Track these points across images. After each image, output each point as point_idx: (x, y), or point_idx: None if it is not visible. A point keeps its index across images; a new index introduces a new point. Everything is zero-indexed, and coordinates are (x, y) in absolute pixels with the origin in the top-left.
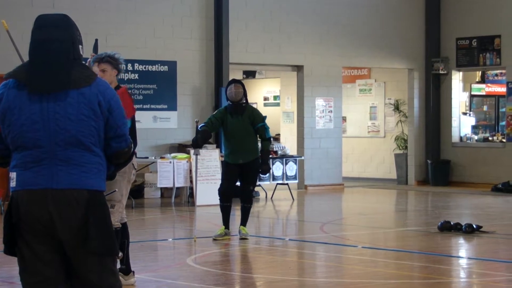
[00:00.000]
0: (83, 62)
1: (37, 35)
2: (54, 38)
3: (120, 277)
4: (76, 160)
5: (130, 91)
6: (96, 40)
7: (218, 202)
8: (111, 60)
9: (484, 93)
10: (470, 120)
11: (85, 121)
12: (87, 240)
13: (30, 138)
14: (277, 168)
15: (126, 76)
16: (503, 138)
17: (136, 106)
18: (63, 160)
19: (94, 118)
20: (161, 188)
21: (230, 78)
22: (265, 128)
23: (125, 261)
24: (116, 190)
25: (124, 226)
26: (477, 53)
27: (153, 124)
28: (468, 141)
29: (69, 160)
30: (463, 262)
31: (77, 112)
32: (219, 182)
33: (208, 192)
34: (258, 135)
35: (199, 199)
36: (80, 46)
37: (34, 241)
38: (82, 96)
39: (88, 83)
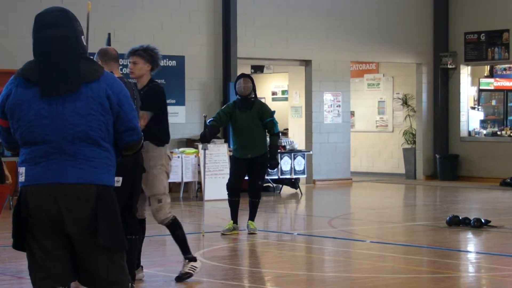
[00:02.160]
0: (89, 56)
1: (40, 36)
2: (58, 37)
3: None
4: (85, 155)
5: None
6: (109, 34)
7: (226, 196)
8: (144, 54)
9: (492, 88)
10: (479, 115)
11: (94, 115)
12: (95, 234)
13: (39, 133)
14: (285, 163)
15: None
16: None
17: None
18: (71, 154)
19: (102, 112)
20: (169, 183)
21: (238, 73)
22: (274, 123)
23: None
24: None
25: (142, 221)
26: (485, 47)
27: None
28: (477, 135)
29: (78, 155)
30: (472, 256)
31: (86, 107)
32: (227, 176)
33: (216, 186)
34: (266, 130)
35: (207, 194)
36: (82, 37)
37: (43, 236)
38: (91, 90)
39: (97, 76)
